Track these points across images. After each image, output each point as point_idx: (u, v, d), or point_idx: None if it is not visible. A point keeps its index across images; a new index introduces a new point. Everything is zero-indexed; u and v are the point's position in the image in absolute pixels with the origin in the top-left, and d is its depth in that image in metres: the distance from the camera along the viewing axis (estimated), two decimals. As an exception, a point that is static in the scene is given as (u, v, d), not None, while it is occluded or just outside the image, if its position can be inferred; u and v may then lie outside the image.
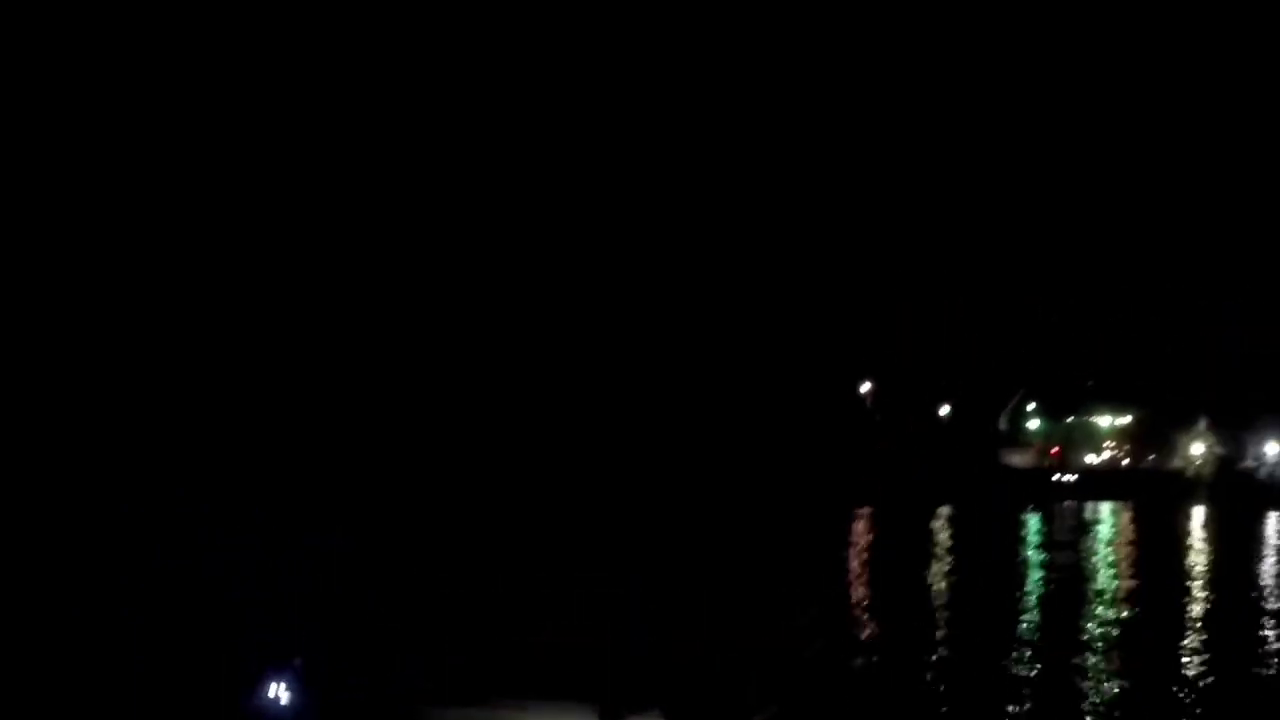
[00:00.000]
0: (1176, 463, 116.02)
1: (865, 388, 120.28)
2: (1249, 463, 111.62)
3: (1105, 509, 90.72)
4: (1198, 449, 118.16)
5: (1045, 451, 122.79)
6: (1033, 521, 76.62)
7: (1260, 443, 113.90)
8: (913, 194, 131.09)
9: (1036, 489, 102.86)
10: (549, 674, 19.52)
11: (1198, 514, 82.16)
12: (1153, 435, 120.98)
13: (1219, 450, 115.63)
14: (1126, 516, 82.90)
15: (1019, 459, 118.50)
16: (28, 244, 71.81)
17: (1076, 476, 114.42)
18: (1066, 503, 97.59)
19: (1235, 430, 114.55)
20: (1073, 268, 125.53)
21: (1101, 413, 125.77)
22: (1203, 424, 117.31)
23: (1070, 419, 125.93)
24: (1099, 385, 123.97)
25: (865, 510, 77.20)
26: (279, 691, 16.05)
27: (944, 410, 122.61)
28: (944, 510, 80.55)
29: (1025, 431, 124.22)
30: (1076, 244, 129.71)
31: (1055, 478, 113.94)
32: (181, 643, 19.89)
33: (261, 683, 16.22)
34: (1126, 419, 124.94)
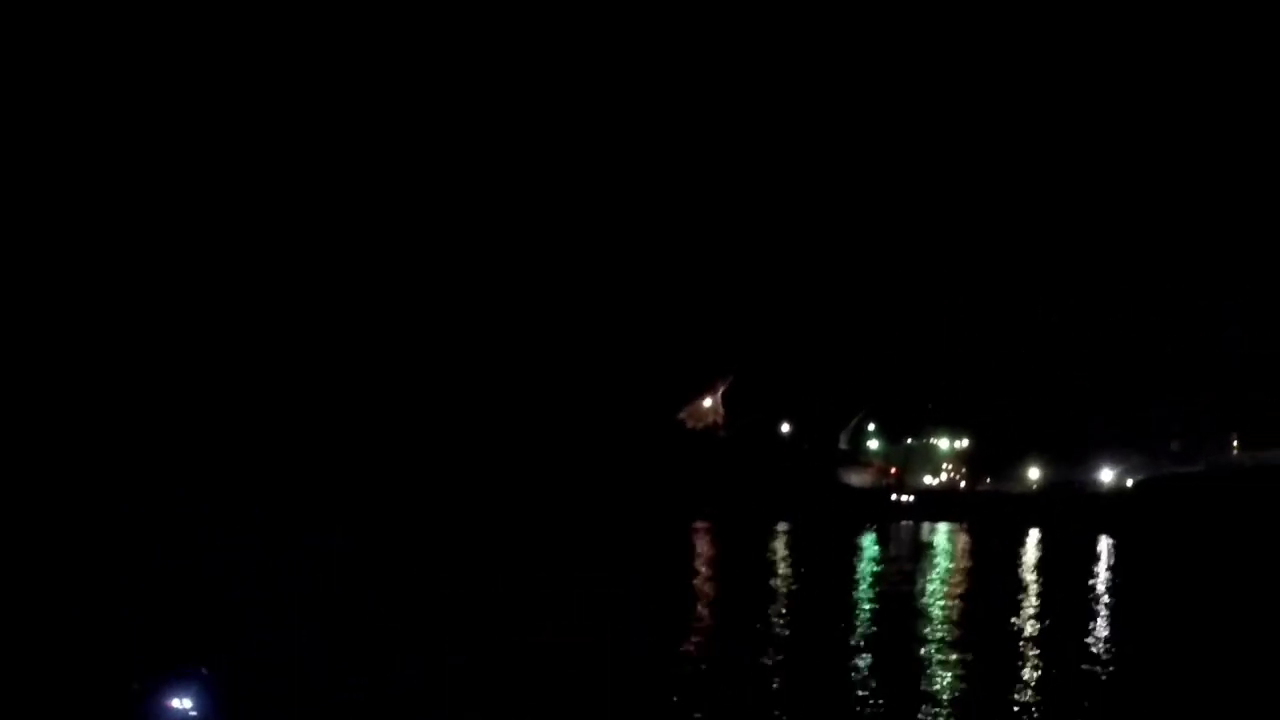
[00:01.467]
0: (1013, 486, 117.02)
1: (708, 404, 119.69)
2: (1082, 486, 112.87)
3: (942, 530, 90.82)
4: (1033, 473, 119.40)
5: (884, 472, 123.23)
6: (869, 540, 76.04)
7: (1094, 468, 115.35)
8: (762, 206, 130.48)
9: (875, 508, 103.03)
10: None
11: (1033, 535, 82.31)
12: (990, 459, 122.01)
13: (1054, 473, 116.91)
14: (962, 538, 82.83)
15: (858, 478, 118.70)
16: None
17: (914, 497, 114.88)
18: (904, 522, 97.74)
19: (1071, 455, 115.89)
20: (912, 288, 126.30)
21: (940, 435, 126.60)
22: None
23: (910, 440, 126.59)
24: (938, 408, 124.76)
25: (704, 524, 76.09)
26: (181, 703, 14.53)
27: (785, 428, 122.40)
28: (781, 526, 79.62)
29: (865, 451, 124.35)
30: (917, 266, 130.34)
31: (893, 498, 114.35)
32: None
33: (159, 692, 14.62)
34: (964, 442, 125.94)
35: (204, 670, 15.02)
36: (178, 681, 14.65)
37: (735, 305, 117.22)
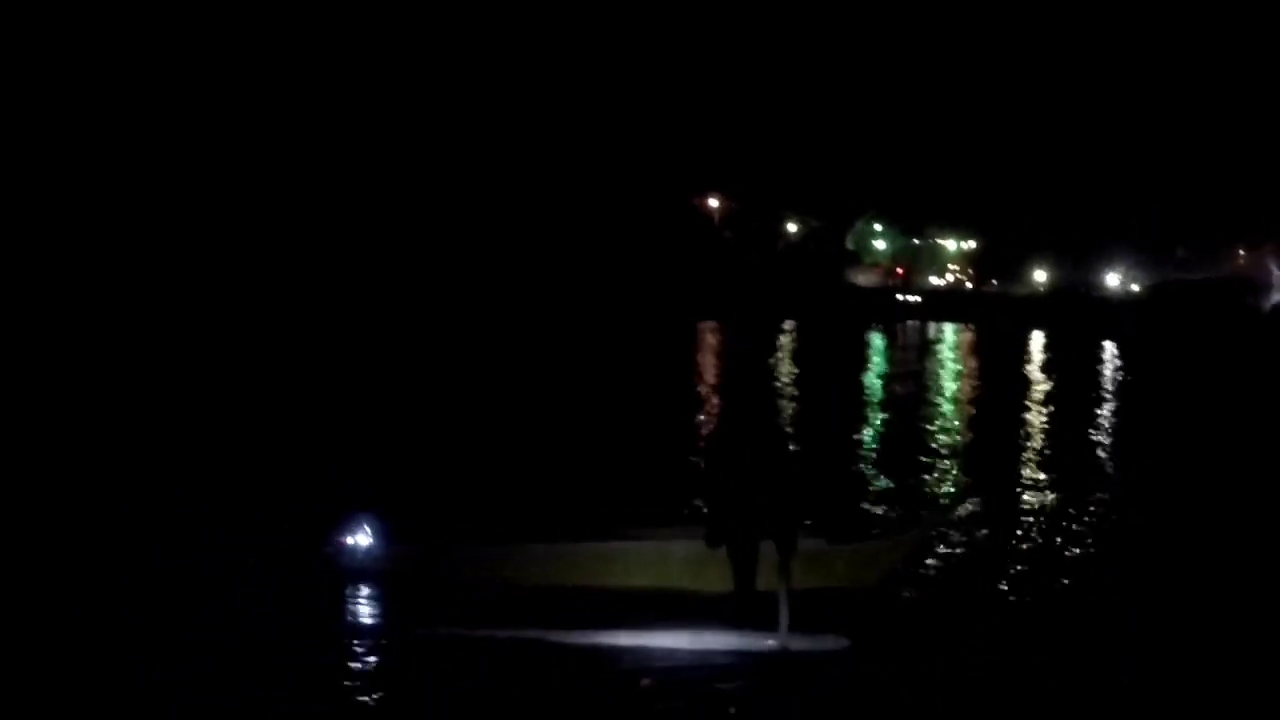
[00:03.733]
0: (1019, 288, 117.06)
1: (714, 204, 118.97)
2: (1088, 290, 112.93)
3: (948, 329, 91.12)
4: (1040, 276, 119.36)
5: (890, 272, 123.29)
6: (876, 338, 76.33)
7: (1101, 273, 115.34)
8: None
9: (881, 308, 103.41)
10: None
11: (1037, 338, 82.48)
12: (996, 260, 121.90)
13: (1061, 277, 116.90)
14: (967, 336, 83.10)
15: (864, 278, 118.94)
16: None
17: (920, 297, 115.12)
18: (910, 322, 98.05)
19: (1077, 260, 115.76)
20: (926, 87, 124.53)
21: (947, 236, 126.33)
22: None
23: (916, 241, 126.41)
24: (945, 209, 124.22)
25: (711, 324, 76.17)
26: (357, 539, 14.40)
27: (792, 227, 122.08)
28: (788, 325, 79.85)
29: (871, 251, 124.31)
30: (932, 61, 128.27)
31: (900, 298, 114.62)
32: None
33: (338, 530, 14.51)
34: (971, 243, 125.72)
35: (369, 510, 14.83)
36: (348, 523, 14.59)
37: (737, 103, 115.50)
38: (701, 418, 29.83)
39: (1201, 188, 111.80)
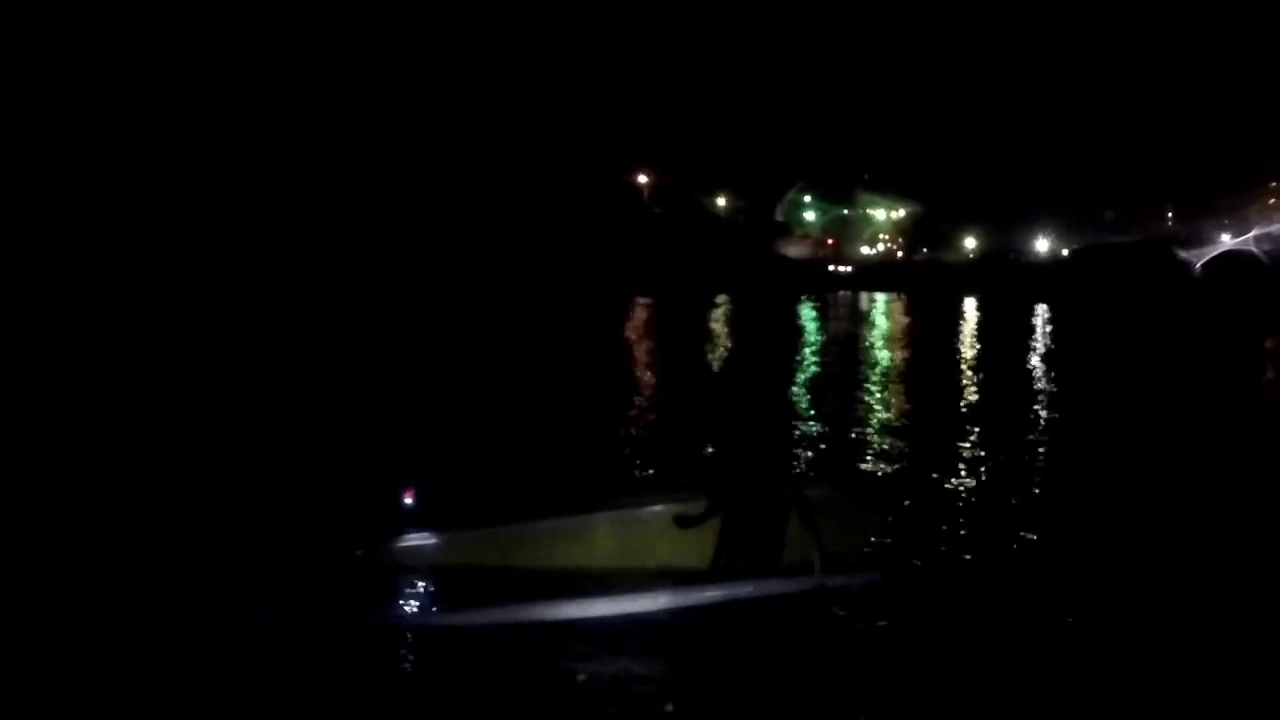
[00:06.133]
0: (949, 256, 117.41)
1: (642, 180, 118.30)
2: (1018, 256, 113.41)
3: (880, 299, 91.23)
4: (970, 243, 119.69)
5: (821, 243, 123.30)
6: (807, 309, 76.25)
7: (1030, 238, 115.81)
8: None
9: (812, 279, 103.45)
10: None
11: (969, 305, 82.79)
12: (926, 229, 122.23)
13: (991, 244, 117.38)
14: (899, 305, 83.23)
15: (795, 250, 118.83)
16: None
17: (851, 268, 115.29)
18: (841, 292, 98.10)
19: (1007, 225, 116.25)
20: (851, 58, 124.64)
21: (877, 206, 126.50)
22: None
23: (846, 212, 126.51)
24: (874, 178, 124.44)
25: (645, 300, 75.64)
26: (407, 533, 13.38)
27: (721, 201, 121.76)
28: (721, 299, 79.52)
29: (802, 223, 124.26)
30: (855, 33, 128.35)
31: (831, 268, 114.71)
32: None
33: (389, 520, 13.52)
34: (901, 212, 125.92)
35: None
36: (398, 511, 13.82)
37: (665, 74, 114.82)
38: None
39: (1129, 151, 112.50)
